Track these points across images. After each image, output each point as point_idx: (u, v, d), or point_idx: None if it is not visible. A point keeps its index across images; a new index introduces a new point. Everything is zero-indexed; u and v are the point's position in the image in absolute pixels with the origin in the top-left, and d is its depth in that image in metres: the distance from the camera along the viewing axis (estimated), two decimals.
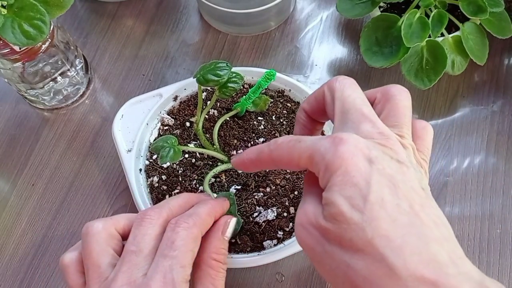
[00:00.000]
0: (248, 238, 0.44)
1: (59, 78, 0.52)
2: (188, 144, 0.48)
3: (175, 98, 0.50)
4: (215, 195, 0.42)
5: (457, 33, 0.51)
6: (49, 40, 0.48)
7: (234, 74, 0.44)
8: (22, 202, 0.52)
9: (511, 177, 0.51)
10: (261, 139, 0.48)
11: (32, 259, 0.49)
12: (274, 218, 0.44)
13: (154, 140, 0.49)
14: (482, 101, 0.55)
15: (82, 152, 0.54)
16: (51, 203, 0.52)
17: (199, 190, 0.46)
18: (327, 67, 0.57)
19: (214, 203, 0.38)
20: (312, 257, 0.29)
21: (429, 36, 0.49)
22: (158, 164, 0.48)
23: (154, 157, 0.48)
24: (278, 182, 0.46)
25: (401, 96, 0.32)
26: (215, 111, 0.49)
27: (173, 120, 0.50)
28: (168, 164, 0.47)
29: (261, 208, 0.45)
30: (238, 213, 0.44)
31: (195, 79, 0.43)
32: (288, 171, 0.46)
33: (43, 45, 0.48)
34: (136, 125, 0.49)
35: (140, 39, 0.60)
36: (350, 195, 0.26)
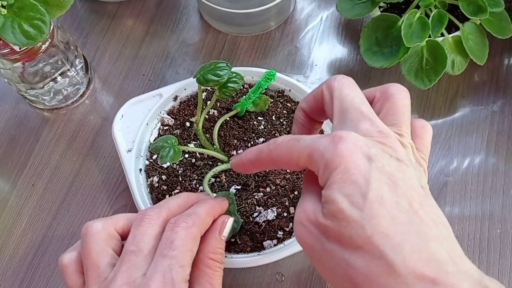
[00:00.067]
0: (248, 238, 0.44)
1: (59, 78, 0.52)
2: (188, 144, 0.48)
3: (175, 98, 0.50)
4: (214, 194, 0.42)
5: (457, 33, 0.51)
6: (49, 40, 0.48)
7: (234, 74, 0.44)
8: (22, 202, 0.52)
9: (511, 177, 0.51)
10: (261, 139, 0.48)
11: (32, 259, 0.49)
12: (274, 218, 0.44)
13: (154, 140, 0.49)
14: (482, 101, 0.55)
15: (82, 152, 0.54)
16: (51, 203, 0.52)
17: (199, 190, 0.46)
18: (327, 67, 0.57)
19: (213, 202, 0.38)
20: (311, 255, 0.29)
21: (429, 36, 0.49)
22: (158, 164, 0.48)
23: (154, 157, 0.48)
24: (278, 182, 0.46)
25: (400, 95, 0.32)
26: (215, 111, 0.49)
27: (173, 120, 0.50)
28: (168, 164, 0.47)
29: (261, 208, 0.45)
30: (238, 213, 0.44)
31: (195, 79, 0.43)
32: (288, 171, 0.46)
33: (43, 45, 0.48)
34: (136, 125, 0.49)
35: (140, 39, 0.60)
36: (349, 192, 0.26)
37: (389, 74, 0.56)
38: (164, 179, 0.47)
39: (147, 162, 0.48)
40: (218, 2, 0.54)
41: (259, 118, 0.49)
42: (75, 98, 0.56)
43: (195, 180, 0.46)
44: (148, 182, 0.47)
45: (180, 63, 0.58)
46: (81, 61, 0.55)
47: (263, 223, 0.44)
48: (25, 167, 0.53)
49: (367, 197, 0.26)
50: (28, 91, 0.52)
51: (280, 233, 0.44)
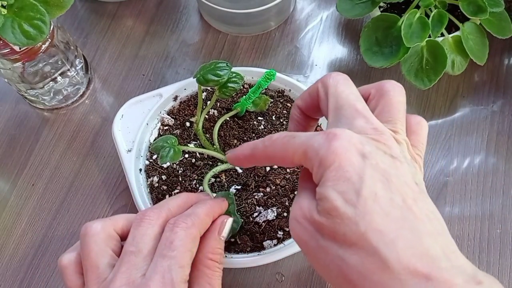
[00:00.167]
0: (248, 238, 0.44)
1: (59, 78, 0.52)
2: (188, 144, 0.48)
3: (175, 98, 0.50)
4: (214, 195, 0.42)
5: (457, 33, 0.51)
6: (49, 40, 0.48)
7: (234, 74, 0.44)
8: (22, 202, 0.52)
9: (511, 177, 0.51)
10: None
11: (32, 259, 0.49)
12: (274, 218, 0.44)
13: (154, 140, 0.49)
14: (482, 101, 0.55)
15: (82, 152, 0.54)
16: (51, 203, 0.52)
17: (199, 190, 0.46)
18: (327, 67, 0.57)
19: (212, 203, 0.38)
20: (306, 252, 0.29)
21: (429, 36, 0.49)
22: (158, 164, 0.48)
23: (154, 157, 0.48)
24: (278, 182, 0.46)
25: (395, 92, 0.32)
26: (215, 111, 0.49)
27: (173, 120, 0.50)
28: (168, 164, 0.47)
29: (261, 208, 0.45)
30: (238, 213, 0.44)
31: (195, 79, 0.43)
32: (288, 171, 0.46)
33: (43, 45, 0.48)
34: (136, 125, 0.49)
35: (140, 39, 0.60)
36: (343, 189, 0.26)
37: (389, 74, 0.56)
38: (164, 179, 0.47)
39: (147, 162, 0.48)
40: (218, 2, 0.54)
41: (259, 118, 0.49)
42: (75, 98, 0.56)
43: (195, 180, 0.46)
44: (148, 182, 0.47)
45: (180, 63, 0.58)
46: (81, 61, 0.55)
47: (263, 223, 0.44)
48: (25, 167, 0.53)
49: (361, 194, 0.26)
50: (28, 91, 0.52)
51: (280, 233, 0.44)
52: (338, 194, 0.26)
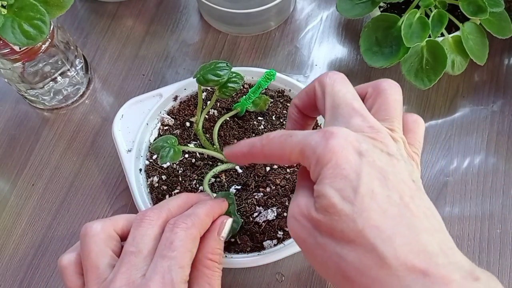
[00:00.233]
0: (248, 238, 0.44)
1: (59, 78, 0.52)
2: (188, 144, 0.48)
3: (175, 98, 0.50)
4: (214, 195, 0.42)
5: (457, 33, 0.51)
6: (49, 40, 0.48)
7: (234, 74, 0.44)
8: (22, 202, 0.52)
9: (511, 177, 0.51)
10: None
11: (32, 259, 0.49)
12: (274, 218, 0.44)
13: (154, 140, 0.49)
14: (482, 101, 0.55)
15: (82, 152, 0.54)
16: (51, 203, 0.52)
17: (199, 190, 0.46)
18: (327, 67, 0.57)
19: (212, 203, 0.38)
20: (304, 249, 0.29)
21: (429, 36, 0.49)
22: (158, 164, 0.48)
23: (154, 157, 0.48)
24: (278, 182, 0.46)
25: (391, 90, 0.32)
26: (215, 111, 0.49)
27: (173, 120, 0.50)
28: (168, 164, 0.47)
29: (261, 208, 0.45)
30: (238, 213, 0.44)
31: (195, 79, 0.43)
32: (288, 170, 0.46)
33: (43, 45, 0.48)
34: (136, 125, 0.49)
35: (140, 39, 0.60)
36: (340, 187, 0.27)
37: (389, 74, 0.56)
38: (164, 179, 0.47)
39: (147, 162, 0.48)
40: (218, 2, 0.54)
41: (259, 118, 0.49)
42: (75, 98, 0.56)
43: (195, 180, 0.46)
44: (148, 182, 0.47)
45: (180, 63, 0.58)
46: (81, 61, 0.55)
47: (263, 223, 0.44)
48: (25, 167, 0.53)
49: (358, 191, 0.26)
50: (28, 91, 0.52)
51: (280, 233, 0.44)
52: (336, 192, 0.27)
